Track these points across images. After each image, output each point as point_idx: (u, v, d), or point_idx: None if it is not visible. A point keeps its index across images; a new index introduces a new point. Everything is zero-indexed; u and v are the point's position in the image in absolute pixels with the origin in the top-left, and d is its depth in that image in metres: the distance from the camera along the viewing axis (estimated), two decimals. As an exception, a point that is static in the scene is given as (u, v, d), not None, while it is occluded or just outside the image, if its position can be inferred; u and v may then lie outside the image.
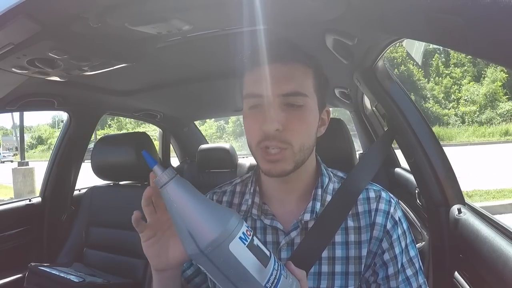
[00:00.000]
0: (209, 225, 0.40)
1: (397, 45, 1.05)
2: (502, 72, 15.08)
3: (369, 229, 0.57)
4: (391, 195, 0.62)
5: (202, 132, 2.79)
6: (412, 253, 0.59)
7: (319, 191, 0.60)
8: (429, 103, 16.71)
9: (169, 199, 0.42)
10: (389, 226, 0.57)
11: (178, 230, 0.42)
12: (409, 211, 1.36)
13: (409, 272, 0.57)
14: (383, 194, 0.61)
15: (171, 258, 0.49)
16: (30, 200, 1.48)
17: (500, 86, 15.58)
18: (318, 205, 0.58)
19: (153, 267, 0.51)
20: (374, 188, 0.62)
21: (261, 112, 0.54)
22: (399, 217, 0.59)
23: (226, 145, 2.11)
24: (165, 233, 0.50)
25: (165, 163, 2.47)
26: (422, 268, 0.60)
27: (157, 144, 2.41)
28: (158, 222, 0.49)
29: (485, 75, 16.06)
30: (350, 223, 0.58)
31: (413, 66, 17.42)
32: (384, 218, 0.58)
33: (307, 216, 0.57)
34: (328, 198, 0.60)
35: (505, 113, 14.94)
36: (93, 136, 1.83)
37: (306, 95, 0.54)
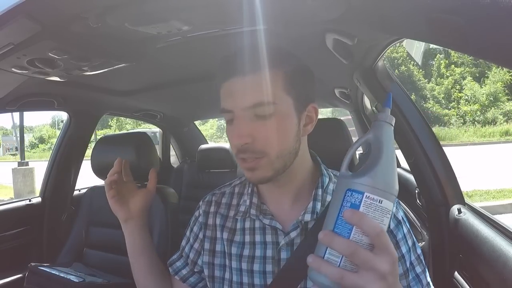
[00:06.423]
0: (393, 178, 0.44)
1: (397, 45, 1.05)
2: (506, 75, 15.01)
3: None
4: None
5: (203, 132, 2.79)
6: (419, 250, 0.59)
7: (320, 191, 0.60)
8: (429, 103, 16.70)
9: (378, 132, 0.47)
10: (392, 226, 0.57)
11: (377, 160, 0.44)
12: (409, 211, 1.36)
13: (418, 269, 0.58)
14: None
15: (131, 209, 0.74)
16: (30, 200, 1.48)
17: (502, 86, 15.53)
18: (318, 205, 0.58)
19: (120, 219, 0.74)
20: None
21: (233, 126, 0.54)
22: (401, 217, 0.59)
23: (226, 145, 2.10)
24: (125, 194, 0.75)
25: (165, 163, 2.47)
26: (426, 266, 0.60)
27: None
28: (120, 188, 0.75)
29: (488, 75, 16.02)
30: None
31: (413, 66, 17.40)
32: None
33: (307, 217, 0.57)
34: (329, 198, 0.60)
35: (506, 113, 14.92)
36: (93, 136, 1.83)
37: (273, 103, 0.52)
